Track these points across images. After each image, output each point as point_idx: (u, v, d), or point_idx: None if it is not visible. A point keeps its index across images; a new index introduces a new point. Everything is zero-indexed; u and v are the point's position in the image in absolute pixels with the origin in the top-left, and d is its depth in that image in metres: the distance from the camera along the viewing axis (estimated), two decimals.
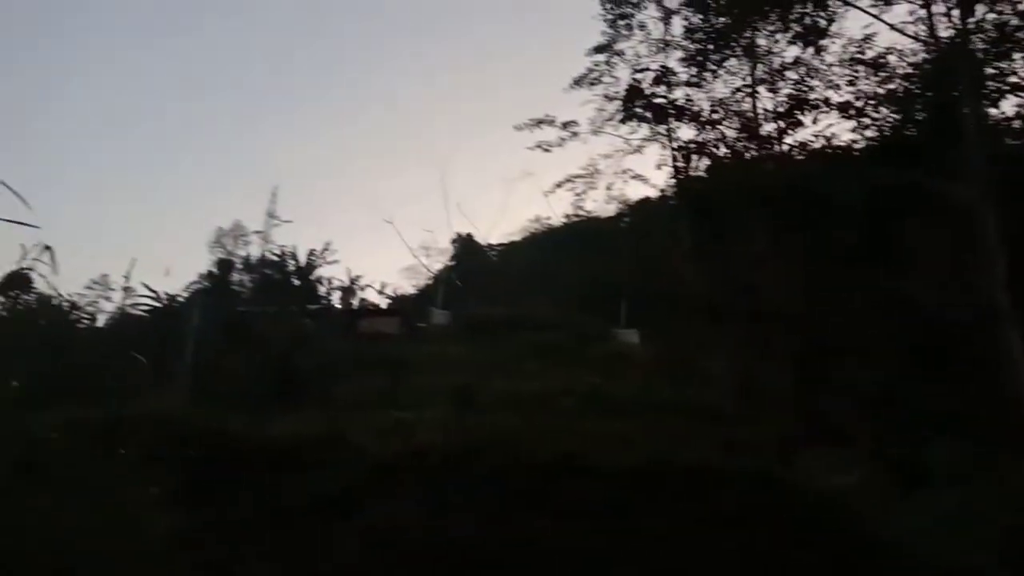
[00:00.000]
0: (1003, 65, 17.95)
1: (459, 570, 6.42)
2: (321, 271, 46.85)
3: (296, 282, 43.40)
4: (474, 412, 15.49)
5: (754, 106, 23.02)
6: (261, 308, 35.92)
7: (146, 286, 36.09)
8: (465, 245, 51.05)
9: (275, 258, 44.98)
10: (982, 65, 17.81)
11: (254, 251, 49.38)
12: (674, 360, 25.61)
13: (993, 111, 18.57)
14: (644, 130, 23.43)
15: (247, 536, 6.88)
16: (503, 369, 26.16)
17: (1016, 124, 18.73)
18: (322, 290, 46.03)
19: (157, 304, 35.57)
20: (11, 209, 5.97)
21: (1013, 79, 17.59)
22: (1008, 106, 18.44)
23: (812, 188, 20.15)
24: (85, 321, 34.73)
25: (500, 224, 54.46)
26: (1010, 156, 17.73)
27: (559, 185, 24.50)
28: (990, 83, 17.86)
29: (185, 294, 38.67)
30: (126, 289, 35.64)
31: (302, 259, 46.17)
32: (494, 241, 56.38)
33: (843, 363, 19.05)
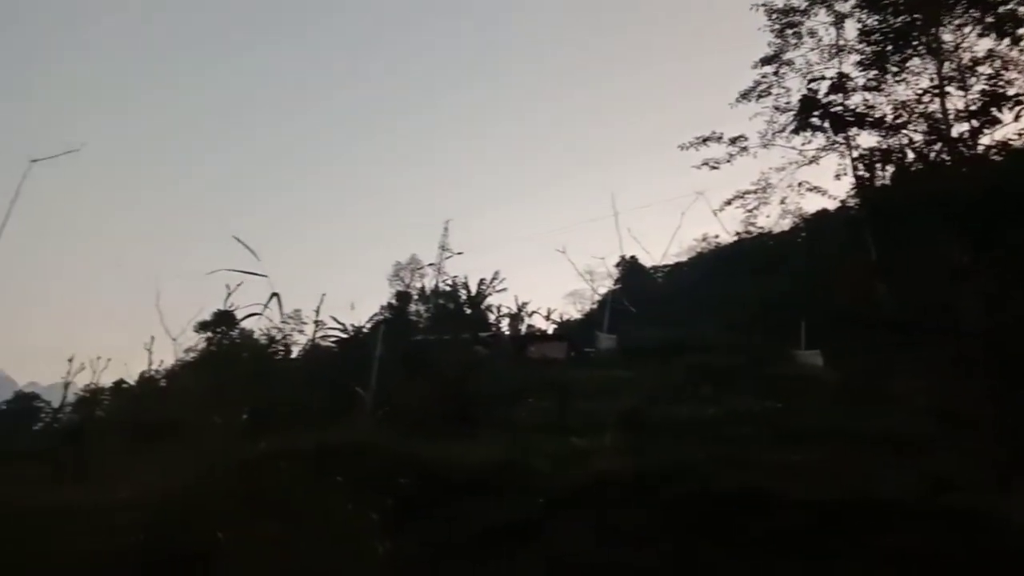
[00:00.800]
0: None
1: None
2: (491, 299, 48.28)
3: (468, 311, 44.96)
4: (645, 438, 15.25)
5: (943, 107, 21.25)
6: (437, 337, 37.47)
7: (334, 319, 38.89)
8: (630, 268, 50.64)
9: (448, 288, 46.92)
10: None
11: (429, 283, 51.82)
12: (862, 383, 23.84)
13: None
14: (819, 140, 22.28)
15: (446, 560, 7.18)
16: (673, 394, 25.57)
17: None
18: (492, 318, 47.37)
19: (344, 336, 38.15)
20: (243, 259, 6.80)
21: None
22: None
23: (1015, 191, 18.15)
24: (281, 354, 37.84)
25: (667, 245, 53.45)
26: None
27: (729, 202, 23.77)
28: None
29: (368, 326, 41.19)
30: (316, 323, 38.53)
31: (473, 288, 47.83)
32: (660, 263, 55.59)
33: None
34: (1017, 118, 19.89)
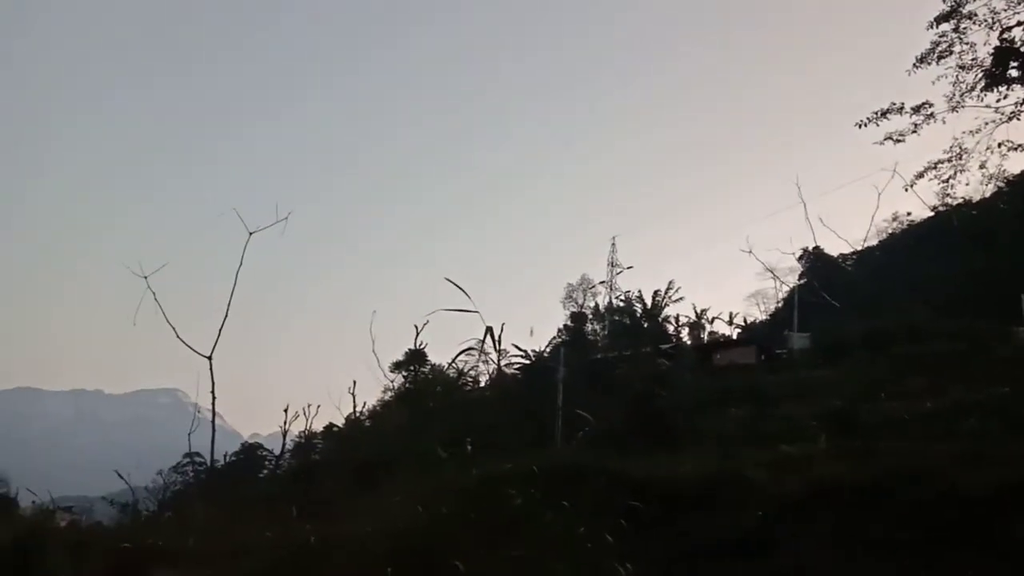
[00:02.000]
0: None
1: None
2: (668, 310, 47.51)
3: (645, 324, 44.50)
4: (860, 439, 14.25)
5: None
6: (617, 353, 37.41)
7: (516, 346, 39.93)
8: (815, 259, 47.87)
9: (622, 304, 46.73)
10: None
11: (603, 300, 51.88)
12: None
13: None
14: (1018, 92, 19.95)
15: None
16: (881, 389, 23.75)
17: None
18: (671, 329, 46.55)
19: (526, 361, 39.04)
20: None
21: None
22: None
23: None
24: (470, 385, 39.47)
25: (860, 230, 49.73)
26: None
27: (920, 175, 21.80)
28: None
29: (548, 349, 41.88)
30: (499, 351, 39.78)
31: (648, 301, 47.30)
32: (847, 250, 52.13)
33: None
34: None
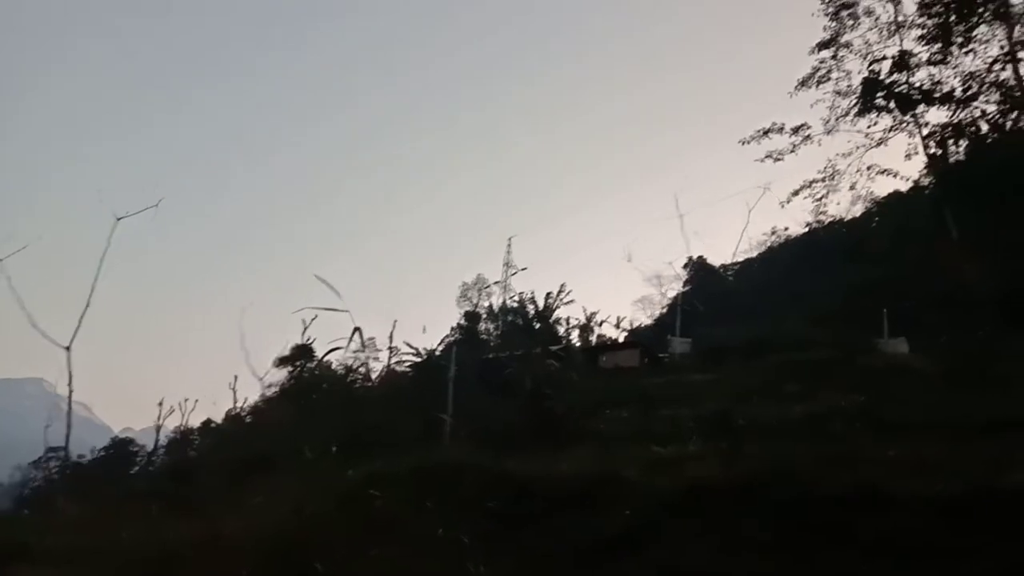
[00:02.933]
0: None
1: None
2: (559, 312, 48.15)
3: (537, 325, 44.93)
4: (736, 441, 14.77)
5: (1016, 73, 20.19)
6: (508, 353, 37.52)
7: (407, 344, 39.37)
8: (699, 269, 49.77)
9: (516, 304, 47.03)
10: None
11: (496, 300, 52.02)
12: (962, 368, 22.68)
13: None
14: (886, 121, 21.42)
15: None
16: (757, 394, 24.81)
17: None
18: (562, 330, 47.21)
19: (418, 359, 38.59)
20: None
21: None
22: None
23: None
24: (359, 381, 38.62)
25: (737, 242, 52.30)
26: None
27: (796, 193, 23.05)
28: None
29: (440, 347, 41.57)
30: (391, 349, 39.18)
31: (541, 302, 47.79)
32: (728, 261, 54.41)
33: None
34: None
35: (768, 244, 53.58)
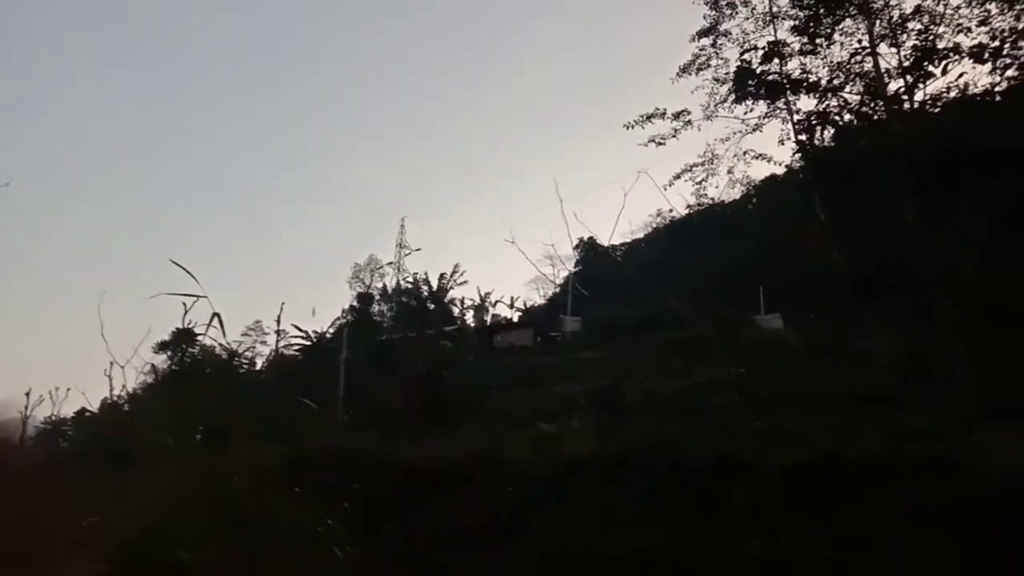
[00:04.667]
0: None
1: None
2: (453, 293, 48.13)
3: (431, 306, 44.73)
4: (621, 416, 15.31)
5: (876, 65, 21.56)
6: (402, 335, 37.25)
7: (296, 327, 38.33)
8: (589, 249, 50.85)
9: (409, 285, 46.67)
10: None
11: (390, 282, 51.41)
12: (826, 343, 24.29)
13: None
14: (761, 108, 22.41)
15: (425, 558, 7.05)
16: (644, 369, 25.77)
17: None
18: (456, 311, 47.22)
19: (308, 342, 37.68)
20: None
21: None
22: None
23: (952, 142, 18.52)
24: (245, 366, 37.43)
25: (621, 224, 53.89)
26: None
27: (677, 176, 23.80)
28: None
29: (331, 330, 40.73)
30: (278, 332, 38.07)
31: (434, 283, 47.60)
32: (616, 241, 55.91)
33: (1017, 330, 17.32)
34: (945, 72, 20.32)
35: (654, 225, 55.54)
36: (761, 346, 27.98)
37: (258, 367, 40.17)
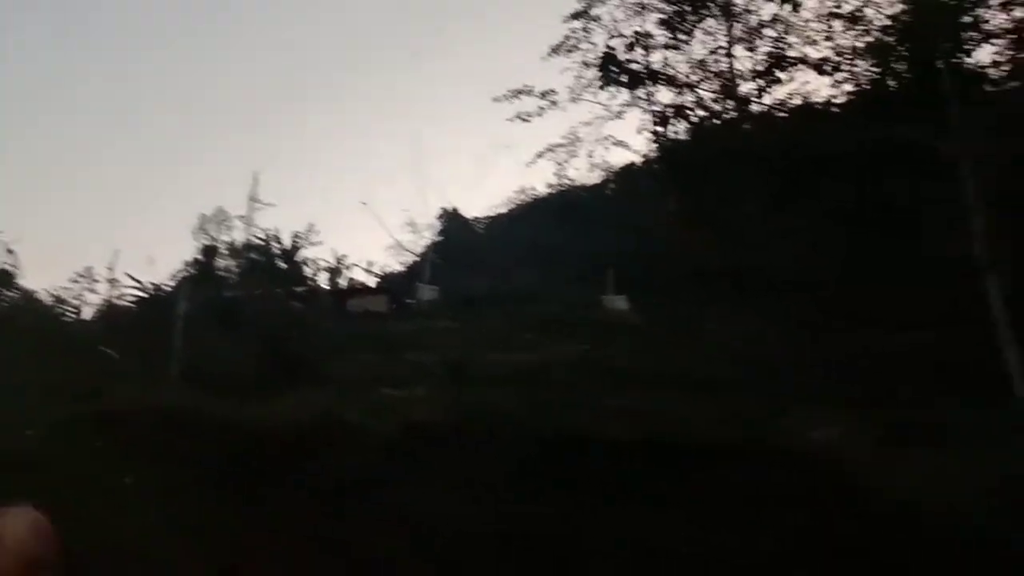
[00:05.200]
0: (978, 12, 17.77)
1: (474, 550, 6.40)
2: (306, 253, 46.57)
3: (282, 265, 43.11)
4: (469, 387, 15.47)
5: (731, 66, 22.86)
6: (248, 292, 35.67)
7: (131, 276, 35.64)
8: (451, 220, 50.75)
9: (260, 242, 44.65)
10: (957, 13, 17.61)
11: (238, 236, 48.97)
12: (666, 327, 25.69)
13: (972, 60, 18.41)
14: (624, 96, 23.20)
15: (252, 526, 6.81)
16: (495, 343, 26.19)
17: (992, 73, 18.62)
18: (308, 272, 45.78)
19: (143, 294, 35.20)
20: None
21: (988, 27, 17.43)
22: (984, 55, 18.28)
23: (793, 146, 20.07)
24: (71, 315, 34.43)
25: (484, 196, 54.21)
26: (989, 104, 17.61)
27: (540, 155, 24.25)
28: (966, 32, 17.69)
29: (171, 282, 38.27)
30: (111, 281, 35.31)
31: (287, 242, 45.86)
32: (480, 214, 56.07)
33: (843, 324, 19.16)
34: (790, 80, 21.93)
35: (517, 202, 56.24)
36: (607, 326, 29.18)
37: (88, 318, 37.12)
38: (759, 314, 20.60)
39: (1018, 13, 17.80)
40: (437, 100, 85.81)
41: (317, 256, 47.49)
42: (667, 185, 25.09)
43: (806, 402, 15.93)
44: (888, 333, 14.98)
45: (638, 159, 28.57)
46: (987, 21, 17.91)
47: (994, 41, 18.09)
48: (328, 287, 45.27)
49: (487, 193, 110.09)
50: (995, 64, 18.72)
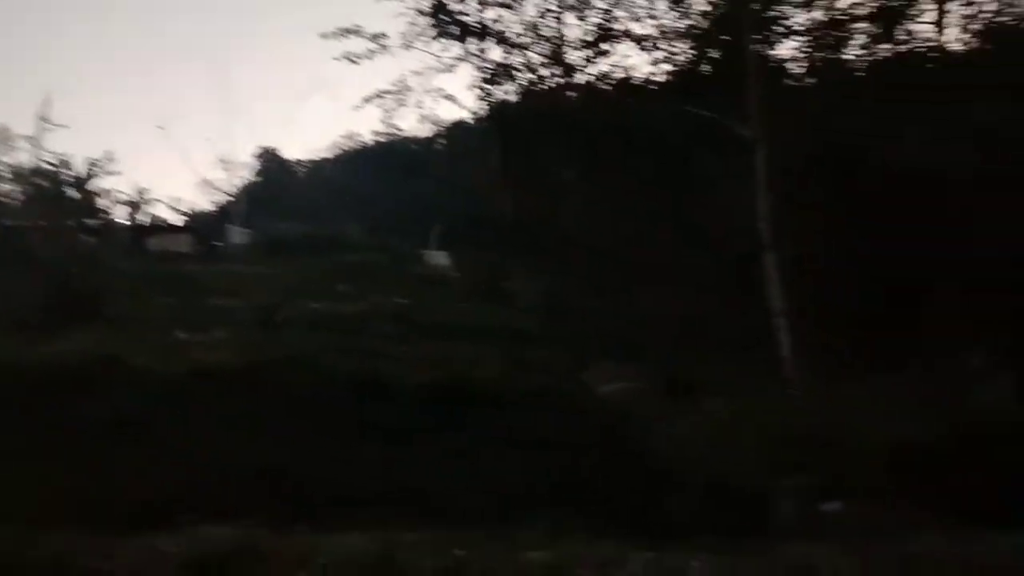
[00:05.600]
0: (782, 9, 19.21)
1: (257, 491, 6.26)
2: (102, 183, 42.34)
3: (73, 194, 39.06)
4: (275, 333, 15.03)
5: (560, 33, 23.25)
6: (33, 222, 32.16)
7: None
8: (269, 160, 48.26)
9: (48, 167, 40.00)
10: (763, 8, 18.91)
11: (24, 159, 43.62)
12: (485, 283, 26.26)
13: (774, 52, 19.88)
14: (456, 49, 22.93)
15: (20, 465, 6.22)
16: (311, 290, 25.52)
17: (791, 67, 20.29)
18: (103, 204, 41.76)
19: None
20: None
21: (790, 23, 18.87)
22: (786, 49, 19.82)
23: (613, 118, 20.93)
24: None
25: (307, 138, 51.87)
26: (787, 95, 19.26)
27: (368, 100, 23.46)
28: (771, 27, 19.04)
29: None
30: None
31: (80, 169, 41.47)
32: (301, 157, 53.86)
33: (640, 287, 20.52)
34: (613, 53, 22.76)
35: (343, 148, 54.44)
36: (426, 279, 29.35)
37: None
38: (568, 274, 21.59)
39: (815, 15, 19.57)
40: (257, 31, 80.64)
41: (115, 188, 43.51)
42: (493, 144, 25.32)
43: (603, 357, 17.12)
44: (679, 299, 16.25)
45: (468, 116, 28.61)
46: (788, 18, 19.50)
47: (795, 38, 19.73)
48: (126, 222, 41.73)
49: (310, 135, 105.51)
50: (794, 59, 20.46)
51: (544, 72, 22.77)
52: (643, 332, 17.87)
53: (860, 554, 5.18)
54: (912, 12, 16.22)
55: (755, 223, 16.87)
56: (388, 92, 23.47)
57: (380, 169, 44.79)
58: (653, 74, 22.60)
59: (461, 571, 4.27)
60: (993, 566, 4.57)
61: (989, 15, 14.62)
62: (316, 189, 47.78)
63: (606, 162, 21.67)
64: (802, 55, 19.80)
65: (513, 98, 24.32)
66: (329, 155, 54.76)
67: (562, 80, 23.47)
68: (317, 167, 53.41)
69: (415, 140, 45.06)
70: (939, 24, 15.32)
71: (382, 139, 42.62)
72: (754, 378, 13.37)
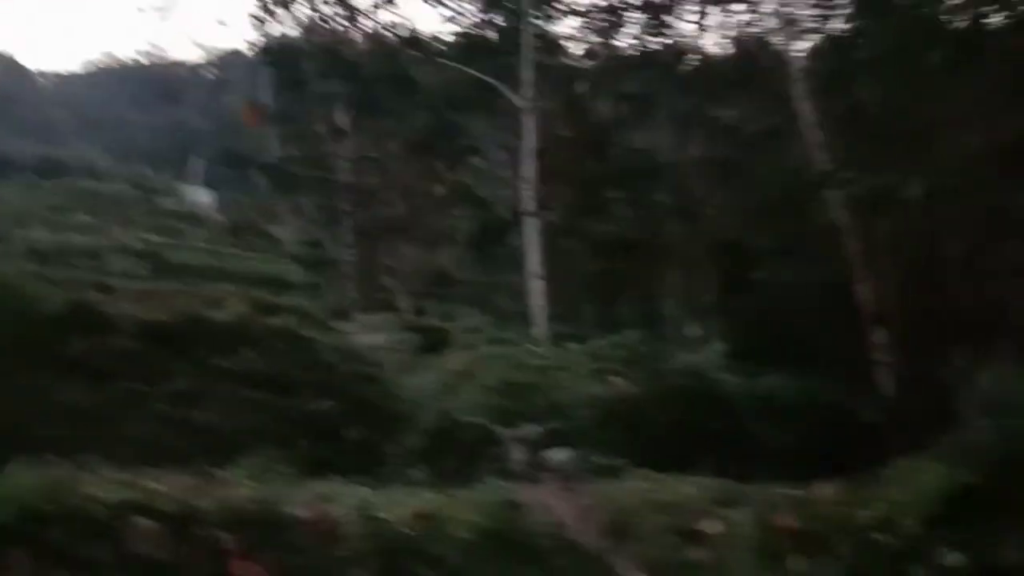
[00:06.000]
0: None
1: None
2: None
3: None
4: None
5: None
6: None
7: None
8: (8, 69, 41.64)
9: None
10: None
11: None
12: (249, 226, 24.81)
13: (555, 28, 20.55)
14: None
15: None
16: (41, 219, 22.59)
17: (568, 45, 21.13)
18: None
19: None
20: None
21: (567, 4, 19.60)
22: (565, 27, 20.57)
23: (394, 69, 20.66)
24: None
25: (55, 48, 45.38)
26: (560, 71, 20.05)
27: (137, 12, 21.15)
28: (553, 2, 19.60)
29: None
30: None
31: None
32: (46, 69, 47.23)
33: (404, 244, 20.69)
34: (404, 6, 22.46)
35: (100, 65, 48.29)
36: (182, 217, 27.10)
37: None
38: (337, 223, 21.24)
39: None
40: None
41: None
42: (267, 80, 23.99)
43: (368, 309, 17.18)
44: (439, 255, 16.66)
45: (244, 47, 26.69)
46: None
47: (574, 17, 20.50)
48: None
49: (61, 46, 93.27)
50: (572, 38, 21.33)
51: (327, 11, 21.76)
52: (404, 284, 18.16)
53: (565, 495, 5.76)
54: (677, 11, 17.47)
55: (520, 189, 17.60)
56: (157, 7, 21.33)
57: (139, 93, 40.59)
58: (440, 32, 22.54)
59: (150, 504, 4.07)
60: (675, 504, 5.20)
61: (741, 24, 16.16)
62: (61, 107, 42.12)
63: (382, 112, 21.37)
64: (579, 36, 20.74)
65: (292, 33, 23.09)
66: (81, 70, 48.68)
67: (346, 23, 22.61)
68: (65, 82, 47.14)
69: (181, 65, 41.39)
70: (701, 26, 16.63)
71: (143, 60, 38.62)
72: (513, 332, 14.11)
